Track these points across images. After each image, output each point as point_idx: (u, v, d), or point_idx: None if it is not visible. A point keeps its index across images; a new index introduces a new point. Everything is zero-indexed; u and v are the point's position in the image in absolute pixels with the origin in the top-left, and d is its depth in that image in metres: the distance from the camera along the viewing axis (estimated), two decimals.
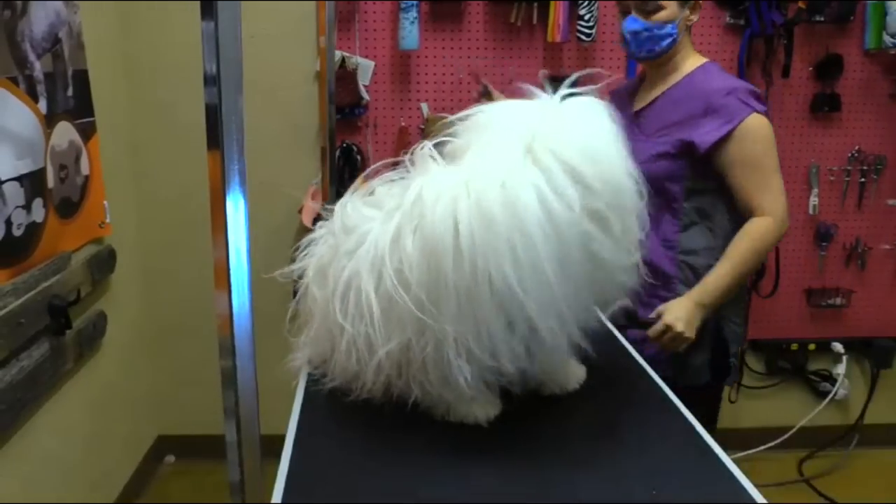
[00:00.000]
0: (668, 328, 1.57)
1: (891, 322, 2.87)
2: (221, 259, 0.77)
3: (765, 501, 0.94)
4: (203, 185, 0.79)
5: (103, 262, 2.30)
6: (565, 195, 0.96)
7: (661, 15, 1.66)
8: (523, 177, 0.97)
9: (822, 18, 2.53)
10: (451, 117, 1.18)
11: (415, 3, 2.43)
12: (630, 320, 1.59)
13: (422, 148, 1.11)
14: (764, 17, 2.50)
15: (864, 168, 2.71)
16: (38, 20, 1.91)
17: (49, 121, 1.96)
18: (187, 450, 2.82)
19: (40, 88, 1.92)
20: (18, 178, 1.80)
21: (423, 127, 2.61)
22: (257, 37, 2.46)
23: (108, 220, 2.32)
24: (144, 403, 2.73)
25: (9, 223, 1.75)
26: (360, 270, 1.07)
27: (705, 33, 2.56)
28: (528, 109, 1.08)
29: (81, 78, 2.16)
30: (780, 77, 2.60)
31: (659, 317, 1.60)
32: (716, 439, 1.08)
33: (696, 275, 1.68)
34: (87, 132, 2.19)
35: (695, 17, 1.71)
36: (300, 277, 1.23)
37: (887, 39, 2.53)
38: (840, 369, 2.87)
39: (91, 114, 2.23)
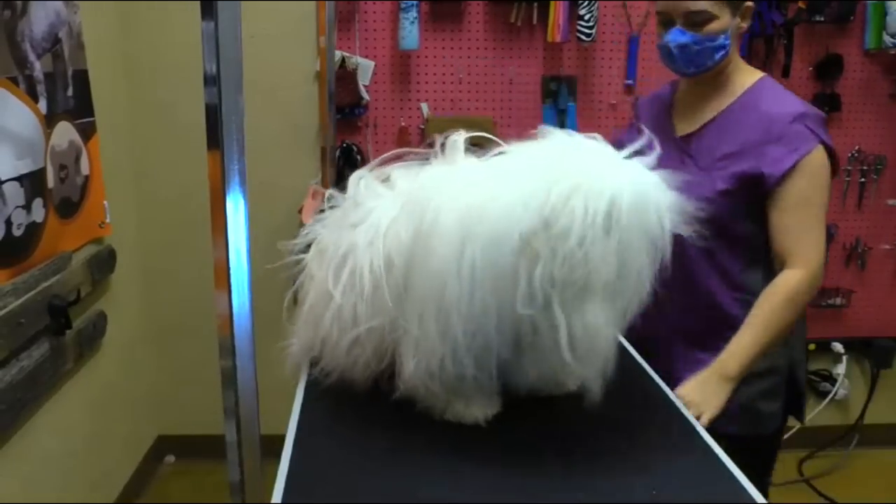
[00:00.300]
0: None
1: (891, 322, 2.87)
2: (221, 259, 0.77)
3: (765, 501, 0.94)
4: (203, 185, 0.79)
5: (103, 262, 2.30)
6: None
7: (713, 26, 1.42)
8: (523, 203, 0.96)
9: (822, 18, 2.53)
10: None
11: (415, 3, 2.43)
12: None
13: (452, 139, 1.11)
14: (764, 17, 2.50)
15: (864, 168, 2.71)
16: (38, 20, 1.91)
17: (49, 121, 1.96)
18: (187, 450, 2.82)
19: (40, 88, 1.92)
20: (18, 178, 1.79)
21: (423, 127, 2.61)
22: (257, 37, 2.46)
23: (108, 220, 2.31)
24: (144, 403, 2.73)
25: (9, 223, 1.75)
26: (357, 244, 1.10)
27: None
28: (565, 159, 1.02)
29: (81, 78, 2.16)
30: (780, 77, 2.59)
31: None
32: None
33: None
34: (87, 132, 2.19)
35: (746, 24, 1.49)
36: (304, 251, 1.24)
37: (887, 39, 2.53)
38: (840, 369, 2.87)
39: (91, 114, 2.23)
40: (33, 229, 1.88)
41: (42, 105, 1.92)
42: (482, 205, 0.97)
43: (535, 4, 2.50)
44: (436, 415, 1.10)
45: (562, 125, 2.57)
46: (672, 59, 1.49)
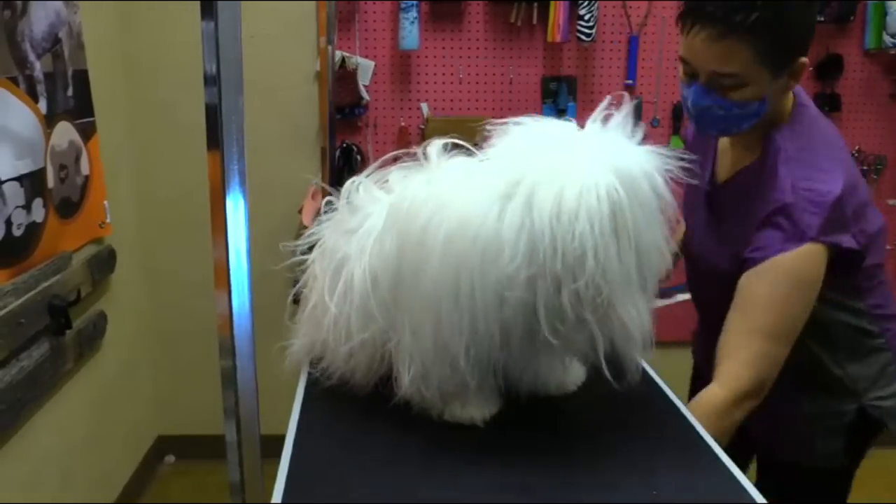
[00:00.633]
0: None
1: None
2: (221, 259, 0.77)
3: (764, 501, 0.94)
4: (203, 185, 0.79)
5: (103, 262, 2.30)
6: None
7: (745, 93, 1.16)
8: (500, 205, 0.95)
9: (822, 18, 2.53)
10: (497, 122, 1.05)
11: (415, 3, 2.43)
12: None
13: (435, 144, 1.10)
14: None
15: (865, 168, 2.71)
16: (38, 20, 1.91)
17: (49, 121, 1.96)
18: (187, 450, 2.82)
19: (40, 88, 1.92)
20: (18, 178, 1.79)
21: (423, 127, 2.61)
22: (257, 37, 2.46)
23: (108, 220, 2.31)
24: (144, 403, 2.73)
25: (9, 223, 1.75)
26: (350, 253, 1.09)
27: None
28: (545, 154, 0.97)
29: (81, 78, 2.16)
30: None
31: None
32: None
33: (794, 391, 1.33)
34: (87, 132, 2.19)
35: (795, 82, 1.20)
36: (308, 251, 1.24)
37: (887, 39, 2.53)
38: None
39: (91, 114, 2.23)
40: (33, 229, 1.88)
41: (42, 105, 1.92)
42: (472, 230, 0.94)
43: (535, 4, 2.50)
44: (435, 415, 1.10)
45: None
46: (690, 118, 1.26)
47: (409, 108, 2.61)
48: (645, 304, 0.97)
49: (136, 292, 2.64)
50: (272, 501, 0.92)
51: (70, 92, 2.09)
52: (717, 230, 1.33)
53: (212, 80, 0.73)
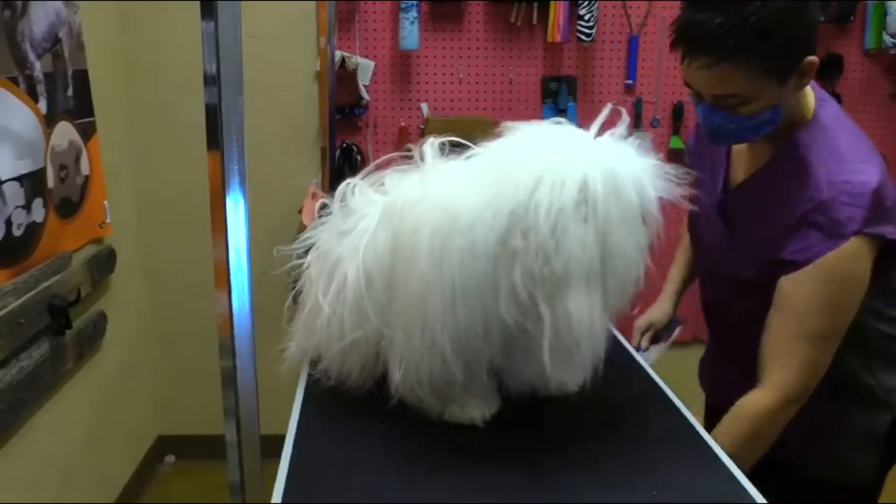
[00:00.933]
0: None
1: None
2: (221, 259, 0.77)
3: (764, 501, 0.94)
4: (203, 185, 0.79)
5: (103, 262, 2.30)
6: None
7: (753, 107, 1.12)
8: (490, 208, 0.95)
9: (822, 18, 2.53)
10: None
11: (415, 3, 2.43)
12: None
13: (430, 144, 1.10)
14: None
15: None
16: (38, 20, 1.91)
17: (49, 121, 1.96)
18: (187, 450, 2.82)
19: (40, 88, 1.92)
20: (18, 178, 1.79)
21: (423, 127, 2.61)
22: (257, 37, 2.45)
23: (108, 220, 2.31)
24: (144, 403, 2.73)
25: (9, 223, 1.75)
26: (344, 254, 1.10)
27: None
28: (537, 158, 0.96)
29: (81, 78, 2.16)
30: None
31: None
32: None
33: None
34: (87, 132, 2.19)
35: (807, 81, 1.14)
36: (306, 253, 1.24)
37: (887, 39, 2.53)
38: None
39: (91, 114, 2.23)
40: (33, 229, 1.88)
41: (42, 105, 1.92)
42: (453, 216, 0.95)
43: (535, 4, 2.50)
44: (434, 415, 1.10)
45: None
46: (705, 131, 1.22)
47: (409, 108, 2.61)
48: (599, 307, 0.94)
49: (136, 292, 2.64)
50: (272, 501, 0.92)
51: (70, 92, 2.09)
52: (736, 237, 1.27)
53: (212, 80, 0.73)
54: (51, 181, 1.96)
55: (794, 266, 1.13)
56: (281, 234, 2.63)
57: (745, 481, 0.98)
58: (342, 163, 2.58)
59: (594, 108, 2.66)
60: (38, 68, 1.91)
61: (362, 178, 1.20)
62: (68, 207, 2.07)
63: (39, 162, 1.90)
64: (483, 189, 0.95)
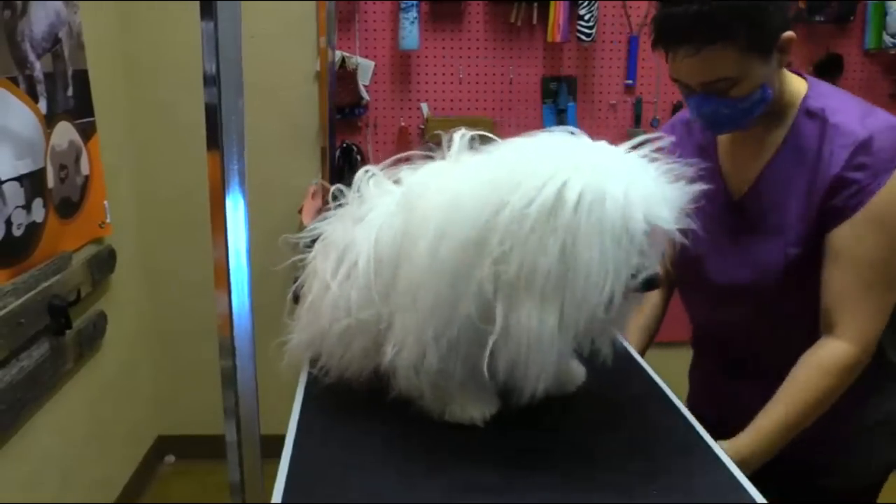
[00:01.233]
0: None
1: None
2: (221, 259, 0.77)
3: (764, 501, 0.94)
4: (203, 185, 0.79)
5: (103, 262, 2.30)
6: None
7: (743, 88, 1.13)
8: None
9: (822, 18, 2.53)
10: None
11: (415, 3, 2.43)
12: None
13: (460, 135, 1.10)
14: None
15: None
16: (38, 20, 1.91)
17: (49, 121, 1.96)
18: (187, 450, 2.82)
19: (40, 88, 1.92)
20: (18, 178, 1.79)
21: (423, 127, 2.61)
22: (257, 37, 2.46)
23: (108, 220, 2.32)
24: (144, 403, 2.73)
25: (9, 223, 1.75)
26: (357, 238, 1.10)
27: None
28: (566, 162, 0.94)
29: (81, 78, 2.16)
30: None
31: None
32: None
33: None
34: (87, 132, 2.19)
35: (787, 57, 1.16)
36: (308, 246, 1.24)
37: (887, 39, 2.53)
38: None
39: (91, 114, 2.23)
40: (33, 229, 1.88)
41: (42, 105, 1.92)
42: (455, 208, 0.95)
43: (535, 4, 2.50)
44: (435, 415, 1.10)
45: (561, 125, 2.58)
46: (700, 123, 1.23)
47: (409, 108, 2.61)
48: (555, 327, 0.91)
49: (136, 292, 2.64)
50: (272, 501, 0.92)
51: (70, 92, 2.09)
52: (762, 228, 1.23)
53: (212, 81, 0.73)
54: (51, 181, 1.96)
55: (843, 215, 1.12)
56: (281, 234, 2.63)
57: (744, 481, 0.98)
58: (342, 163, 2.58)
59: (594, 108, 2.67)
60: (38, 68, 1.91)
61: (381, 169, 1.21)
62: (68, 207, 2.07)
63: (39, 162, 1.90)
64: (481, 186, 0.96)
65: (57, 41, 2.02)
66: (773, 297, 1.23)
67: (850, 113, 1.16)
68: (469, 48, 2.57)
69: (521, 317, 0.91)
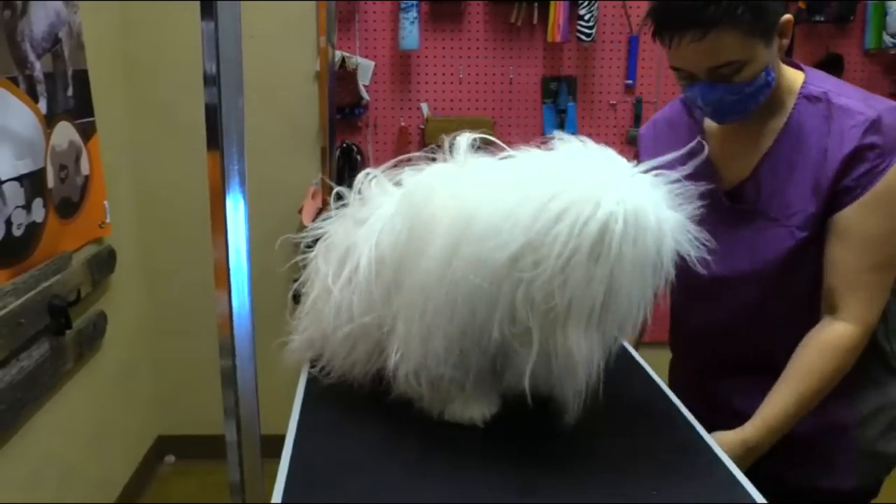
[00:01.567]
0: None
1: None
2: (221, 259, 0.77)
3: (764, 501, 0.94)
4: (203, 186, 0.79)
5: (103, 262, 2.30)
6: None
7: (748, 72, 1.13)
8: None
9: (822, 18, 2.53)
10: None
11: (415, 3, 2.43)
12: None
13: (464, 138, 1.09)
14: None
15: None
16: (38, 20, 1.91)
17: (49, 121, 1.96)
18: (187, 450, 2.82)
19: (40, 88, 1.92)
20: (18, 178, 1.79)
21: (423, 127, 2.61)
22: (257, 37, 2.46)
23: (108, 220, 2.32)
24: (144, 403, 2.73)
25: (9, 223, 1.75)
26: (358, 240, 1.10)
27: None
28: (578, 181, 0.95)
29: (81, 78, 2.16)
30: None
31: None
32: None
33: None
34: (87, 132, 2.19)
35: (787, 41, 1.17)
36: (309, 247, 1.24)
37: (887, 39, 2.53)
38: None
39: (91, 114, 2.23)
40: (33, 229, 1.88)
41: (42, 105, 1.92)
42: (472, 217, 0.95)
43: (535, 4, 2.50)
44: (434, 415, 1.10)
45: (561, 125, 2.59)
46: (703, 112, 1.21)
47: (409, 108, 2.61)
48: (597, 349, 0.94)
49: (136, 292, 2.64)
50: (272, 501, 0.92)
51: (70, 92, 2.09)
52: (754, 223, 1.23)
53: (212, 81, 0.73)
54: (51, 181, 1.96)
55: (853, 195, 1.13)
56: (281, 234, 2.62)
57: (744, 481, 0.98)
58: (342, 163, 2.58)
59: (594, 108, 2.67)
60: (38, 68, 1.91)
61: (382, 171, 1.21)
62: (68, 207, 2.07)
63: (39, 162, 1.90)
64: (504, 201, 0.94)
65: (57, 41, 2.02)
66: (768, 287, 1.22)
67: (852, 95, 1.17)
68: (469, 48, 2.57)
69: (564, 341, 0.93)
